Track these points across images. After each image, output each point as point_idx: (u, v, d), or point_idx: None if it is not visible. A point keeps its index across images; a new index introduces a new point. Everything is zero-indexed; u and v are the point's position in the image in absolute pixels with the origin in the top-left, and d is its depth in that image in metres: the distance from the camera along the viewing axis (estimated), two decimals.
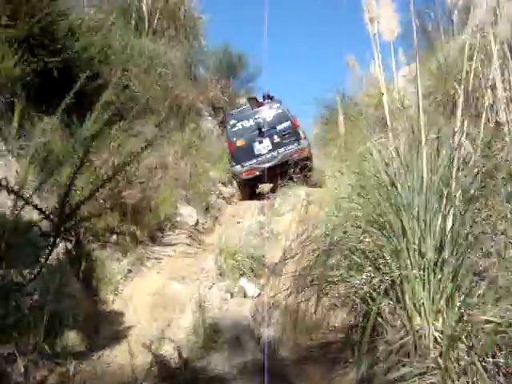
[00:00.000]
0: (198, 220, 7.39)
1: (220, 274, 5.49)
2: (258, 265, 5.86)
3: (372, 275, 2.73)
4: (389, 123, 3.29)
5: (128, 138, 7.12)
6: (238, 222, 8.14)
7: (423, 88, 8.77)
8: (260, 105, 9.48)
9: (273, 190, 8.80)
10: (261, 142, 8.93)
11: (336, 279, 3.16)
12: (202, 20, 14.91)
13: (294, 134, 8.94)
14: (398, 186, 2.80)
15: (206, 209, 8.01)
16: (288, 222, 7.72)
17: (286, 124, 8.90)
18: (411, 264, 2.52)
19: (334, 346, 3.23)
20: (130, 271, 5.10)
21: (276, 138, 8.93)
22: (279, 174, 8.02)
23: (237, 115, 9.52)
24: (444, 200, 2.55)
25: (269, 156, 8.87)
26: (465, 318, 2.35)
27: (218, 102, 13.25)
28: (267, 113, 9.16)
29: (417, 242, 2.54)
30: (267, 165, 8.57)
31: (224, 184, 10.01)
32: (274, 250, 6.95)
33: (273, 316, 4.12)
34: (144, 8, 13.41)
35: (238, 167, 9.01)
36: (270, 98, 9.77)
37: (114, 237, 5.30)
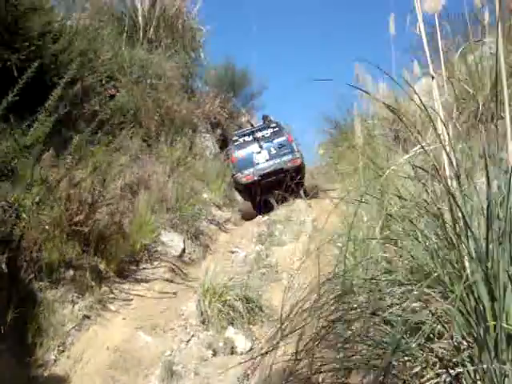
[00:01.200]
0: (183, 249, 6.29)
1: (202, 322, 4.38)
2: (251, 309, 4.77)
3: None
4: (441, 130, 2.21)
5: (108, 152, 6.11)
6: (232, 252, 7.04)
7: (450, 97, 7.78)
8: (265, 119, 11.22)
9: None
10: (259, 153, 9.98)
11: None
12: (202, 32, 14.00)
13: (288, 146, 9.99)
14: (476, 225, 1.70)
15: (195, 236, 6.91)
16: (290, 254, 6.64)
17: (282, 138, 10.10)
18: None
19: None
20: (86, 317, 3.97)
21: (273, 150, 10.02)
22: (276, 183, 8.58)
23: (239, 133, 10.81)
24: None
25: (266, 164, 9.82)
26: None
27: (215, 118, 12.24)
28: (266, 130, 10.43)
29: None
30: (264, 171, 9.61)
31: (219, 207, 8.93)
32: (273, 288, 5.86)
33: None
34: (139, 16, 12.57)
35: (239, 174, 9.80)
36: (269, 119, 11.20)
37: (71, 272, 4.20)
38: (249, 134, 10.42)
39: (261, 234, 7.60)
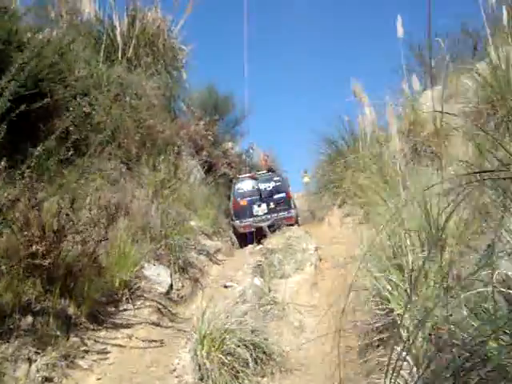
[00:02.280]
0: (171, 284, 5.33)
1: (201, 379, 3.42)
2: (259, 358, 3.83)
3: None
4: None
5: (82, 174, 5.23)
6: (226, 287, 6.09)
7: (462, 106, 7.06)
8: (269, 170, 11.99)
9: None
10: (259, 206, 10.78)
11: None
12: (184, 51, 13.30)
13: (286, 203, 10.82)
14: None
15: (184, 269, 5.95)
16: (296, 288, 5.72)
17: (282, 195, 10.92)
18: None
19: None
20: (46, 381, 2.99)
21: (272, 205, 10.80)
22: (270, 231, 9.30)
23: (243, 179, 11.56)
24: None
25: (264, 217, 10.52)
26: None
27: (201, 140, 11.38)
28: (268, 183, 11.17)
29: None
30: (261, 224, 10.08)
31: (208, 236, 7.97)
32: (281, 329, 4.92)
33: None
34: (118, 35, 11.82)
35: (238, 222, 10.45)
36: (273, 171, 12.07)
37: (29, 319, 3.24)
38: (252, 185, 11.19)
39: (257, 265, 6.68)
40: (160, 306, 4.67)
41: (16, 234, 3.26)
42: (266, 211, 10.69)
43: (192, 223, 7.48)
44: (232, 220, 10.73)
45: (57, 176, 4.85)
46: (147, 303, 4.54)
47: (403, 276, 3.10)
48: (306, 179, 21.75)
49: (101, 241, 4.02)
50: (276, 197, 10.89)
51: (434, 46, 12.43)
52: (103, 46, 11.12)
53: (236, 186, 11.31)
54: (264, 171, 12.08)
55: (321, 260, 6.58)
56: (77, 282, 3.66)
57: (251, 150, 21.56)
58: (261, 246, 8.73)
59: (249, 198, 10.90)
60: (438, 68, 11.04)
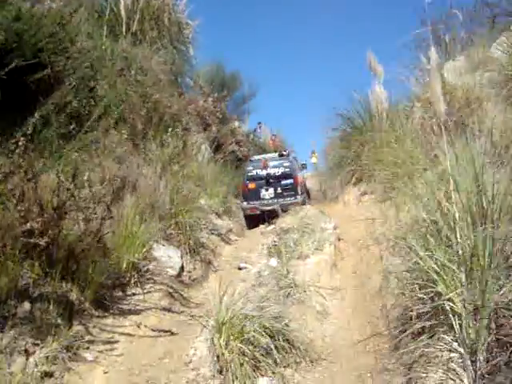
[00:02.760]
0: (182, 266, 4.97)
1: (220, 371, 3.07)
2: (281, 346, 3.46)
3: None
4: None
5: (85, 149, 4.89)
6: (240, 269, 5.72)
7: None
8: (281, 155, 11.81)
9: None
10: (267, 190, 10.95)
11: None
12: (190, 27, 12.79)
13: (293, 189, 10.89)
14: None
15: (195, 249, 5.57)
16: (316, 269, 5.33)
17: (289, 181, 10.99)
18: None
19: None
20: (46, 375, 2.64)
21: (279, 190, 10.97)
22: (275, 215, 9.35)
23: (255, 163, 11.56)
24: None
25: (270, 202, 10.72)
26: None
27: (209, 117, 10.92)
28: (277, 168, 11.24)
29: None
30: (266, 208, 10.30)
31: (218, 215, 7.59)
32: (303, 314, 4.55)
33: None
34: (122, 9, 11.31)
35: (245, 203, 10.75)
36: (286, 155, 11.89)
37: (26, 305, 2.87)
38: (262, 168, 11.28)
39: (273, 245, 6.30)
40: (171, 290, 4.30)
41: (10, 209, 2.87)
42: (272, 195, 10.93)
43: (202, 201, 7.09)
44: (241, 201, 11.07)
45: (57, 151, 4.48)
46: (157, 287, 4.18)
47: (452, 256, 2.71)
48: (314, 159, 21.29)
49: (105, 218, 3.64)
50: (284, 182, 11.07)
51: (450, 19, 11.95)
52: (106, 19, 10.66)
53: (247, 169, 11.49)
54: (275, 155, 12.08)
55: (339, 240, 6.18)
56: (80, 265, 3.29)
57: (259, 130, 21.05)
58: (273, 226, 8.36)
59: (258, 182, 11.09)
60: (454, 41, 10.53)
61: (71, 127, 5.03)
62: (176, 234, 5.43)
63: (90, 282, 3.36)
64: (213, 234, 6.45)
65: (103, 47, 8.74)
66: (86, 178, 3.79)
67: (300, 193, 11.06)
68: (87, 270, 3.35)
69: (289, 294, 4.49)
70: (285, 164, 11.37)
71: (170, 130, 7.95)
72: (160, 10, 12.24)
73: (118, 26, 11.20)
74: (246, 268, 5.66)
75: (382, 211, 5.87)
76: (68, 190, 3.22)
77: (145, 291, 4.06)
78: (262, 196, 10.90)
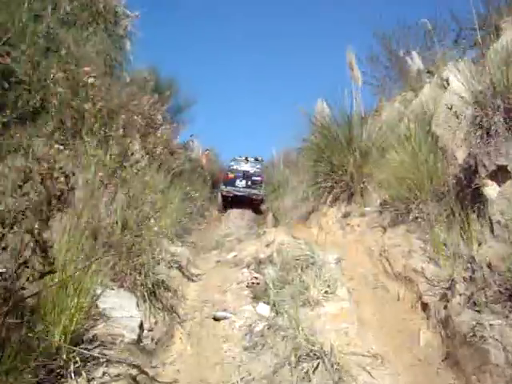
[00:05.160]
0: (141, 323, 3.24)
1: None
2: None
3: None
4: None
5: None
6: (217, 319, 4.06)
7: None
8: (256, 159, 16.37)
9: None
10: (241, 181, 14.99)
11: None
12: (129, 17, 11.08)
13: (259, 184, 14.89)
14: None
15: (153, 292, 3.86)
16: (338, 325, 3.74)
17: (258, 178, 15.10)
18: None
19: None
20: None
21: (249, 183, 15.01)
22: (242, 200, 14.41)
23: (237, 160, 15.95)
24: None
25: (242, 190, 14.80)
26: None
27: (151, 119, 9.12)
28: (252, 168, 15.59)
29: None
30: (238, 193, 14.65)
31: (171, 240, 5.82)
32: None
33: None
34: None
35: (224, 187, 14.80)
36: (260, 160, 16.44)
37: None
38: (241, 165, 15.60)
39: (251, 284, 4.71)
40: (133, 372, 2.59)
41: None
42: (244, 186, 14.92)
43: (151, 222, 5.36)
44: (221, 186, 15.11)
45: None
46: (112, 370, 2.46)
47: None
48: None
49: (23, 265, 1.92)
50: (254, 178, 15.07)
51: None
52: None
53: (230, 163, 16.04)
54: (252, 158, 16.16)
55: (351, 277, 4.69)
56: None
57: (191, 143, 19.42)
58: (234, 253, 6.74)
59: (236, 174, 15.19)
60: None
61: None
62: (129, 270, 3.70)
63: None
64: (172, 267, 4.73)
65: (22, 21, 6.87)
66: None
67: (262, 188, 14.88)
68: None
69: (316, 368, 2.93)
70: (257, 166, 15.84)
71: (108, 128, 6.19)
72: None
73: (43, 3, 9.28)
74: (225, 318, 4.01)
75: (408, 239, 4.49)
76: None
77: (89, 378, 2.33)
78: (236, 184, 14.95)
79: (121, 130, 6.60)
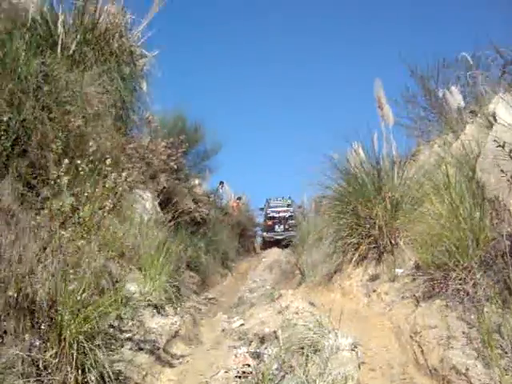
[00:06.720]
0: None
1: None
2: None
3: None
4: None
5: None
6: None
7: None
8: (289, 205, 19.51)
9: None
10: (279, 226, 18.49)
11: None
12: (146, 57, 10.55)
13: (294, 227, 14.99)
14: None
15: None
16: None
17: (292, 221, 16.58)
18: None
19: None
20: None
21: (286, 226, 17.95)
22: (282, 242, 15.73)
23: (272, 205, 19.70)
24: None
25: (280, 233, 17.91)
26: None
27: (157, 164, 8.26)
28: (287, 213, 18.61)
29: None
30: (279, 237, 17.39)
31: (157, 309, 4.78)
32: None
33: None
34: (59, 26, 8.92)
35: (265, 234, 18.75)
36: (291, 203, 19.15)
37: None
38: (277, 211, 19.06)
39: (242, 374, 3.65)
40: None
41: None
42: (282, 230, 17.92)
43: (131, 287, 4.41)
44: (262, 232, 19.14)
45: None
46: None
47: None
48: None
49: None
50: (289, 222, 17.35)
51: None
52: (35, 34, 8.22)
53: (267, 211, 19.33)
54: (285, 203, 19.35)
55: (359, 365, 3.58)
56: None
57: (221, 190, 18.73)
58: (241, 321, 5.74)
59: (274, 220, 18.51)
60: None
61: None
62: (60, 362, 2.72)
63: None
64: (142, 349, 3.71)
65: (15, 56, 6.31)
66: None
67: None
68: None
69: None
70: (290, 210, 18.41)
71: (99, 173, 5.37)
72: (109, 33, 9.96)
73: (52, 46, 8.81)
74: None
75: (446, 319, 3.37)
76: None
77: None
78: (276, 230, 18.30)
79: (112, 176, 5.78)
